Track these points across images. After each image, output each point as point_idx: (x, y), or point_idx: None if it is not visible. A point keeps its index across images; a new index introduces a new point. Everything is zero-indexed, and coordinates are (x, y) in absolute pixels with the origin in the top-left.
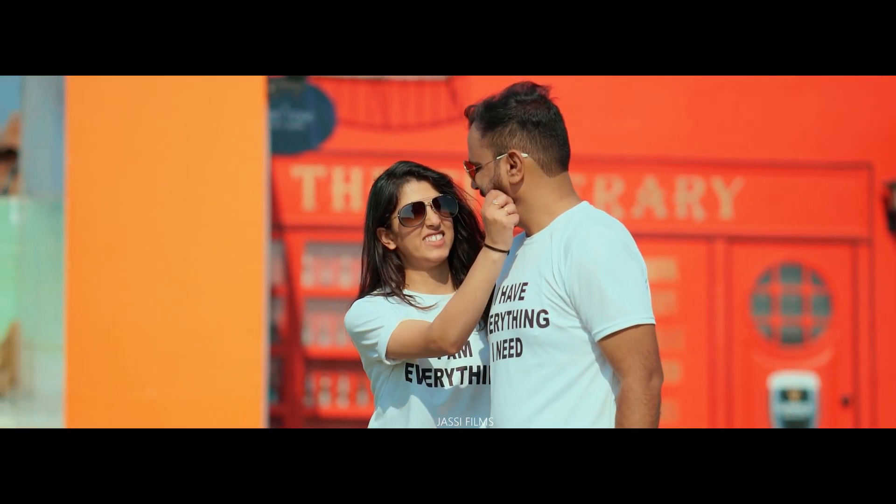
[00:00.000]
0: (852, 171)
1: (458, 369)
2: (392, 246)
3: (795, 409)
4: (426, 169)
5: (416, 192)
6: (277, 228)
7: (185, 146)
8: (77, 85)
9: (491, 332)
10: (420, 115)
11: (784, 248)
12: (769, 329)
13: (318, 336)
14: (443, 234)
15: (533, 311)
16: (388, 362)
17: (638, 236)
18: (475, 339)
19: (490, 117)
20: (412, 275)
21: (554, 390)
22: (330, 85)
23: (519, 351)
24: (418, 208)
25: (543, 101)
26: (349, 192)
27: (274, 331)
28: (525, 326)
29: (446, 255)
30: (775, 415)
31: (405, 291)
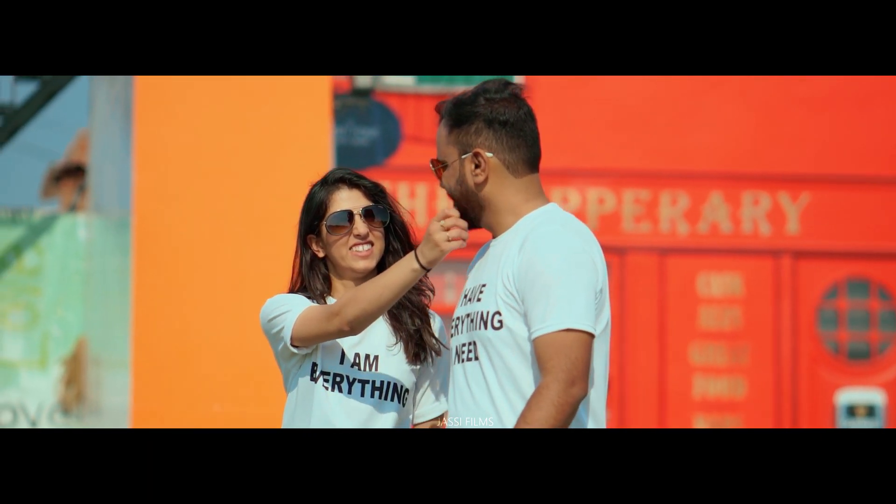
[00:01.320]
0: None
1: (360, 381)
2: (321, 254)
3: (862, 425)
4: (360, 177)
5: (346, 200)
6: None
7: (251, 163)
8: (144, 102)
9: (452, 335)
10: None
11: (851, 262)
12: (836, 344)
13: None
14: (371, 244)
15: (488, 312)
16: (293, 350)
17: (703, 251)
18: (385, 357)
19: (457, 115)
20: (338, 285)
21: (507, 394)
22: (395, 101)
23: (475, 355)
24: (347, 217)
25: (514, 100)
26: (414, 207)
27: None
28: (480, 329)
29: (373, 267)
30: None
31: (329, 300)
